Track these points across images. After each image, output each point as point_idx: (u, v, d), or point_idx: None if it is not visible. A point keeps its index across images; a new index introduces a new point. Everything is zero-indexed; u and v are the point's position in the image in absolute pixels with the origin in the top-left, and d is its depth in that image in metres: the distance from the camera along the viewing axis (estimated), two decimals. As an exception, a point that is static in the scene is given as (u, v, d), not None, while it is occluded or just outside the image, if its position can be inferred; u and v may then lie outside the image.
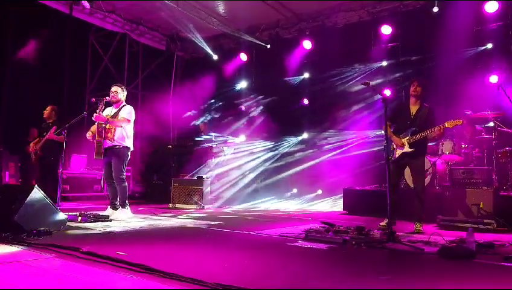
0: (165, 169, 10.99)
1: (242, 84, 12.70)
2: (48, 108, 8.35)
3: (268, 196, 10.61)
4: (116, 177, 6.43)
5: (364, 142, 10.02)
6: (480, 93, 8.09)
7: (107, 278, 2.94)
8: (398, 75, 9.88)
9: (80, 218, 5.76)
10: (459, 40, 8.73)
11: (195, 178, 9.26)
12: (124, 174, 6.54)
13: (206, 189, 9.05)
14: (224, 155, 10.45)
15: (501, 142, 7.40)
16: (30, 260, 3.42)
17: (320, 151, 11.03)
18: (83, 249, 3.68)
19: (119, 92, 6.59)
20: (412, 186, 6.20)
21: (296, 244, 4.48)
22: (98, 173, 10.41)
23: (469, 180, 6.26)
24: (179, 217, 7.05)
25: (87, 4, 10.09)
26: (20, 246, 3.97)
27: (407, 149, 5.66)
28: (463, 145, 7.59)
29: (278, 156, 11.60)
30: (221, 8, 10.79)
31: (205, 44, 12.10)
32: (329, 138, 10.96)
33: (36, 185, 4.84)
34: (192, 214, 7.56)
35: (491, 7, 8.63)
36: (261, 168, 11.21)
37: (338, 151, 10.59)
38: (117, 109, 6.57)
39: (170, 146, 11.06)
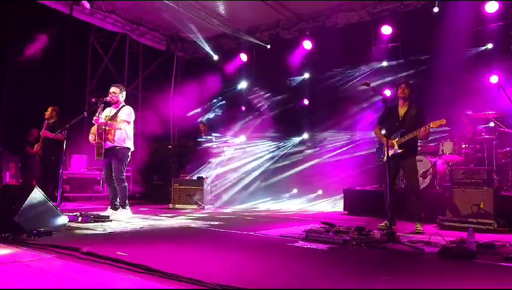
0: (165, 169, 10.99)
1: (242, 85, 12.70)
2: (49, 108, 8.37)
3: (268, 196, 10.61)
4: (116, 178, 6.44)
5: (365, 142, 10.01)
6: (480, 94, 8.09)
7: (107, 278, 2.94)
8: (398, 75, 9.88)
9: (80, 218, 5.76)
10: (460, 40, 8.73)
11: (196, 178, 9.27)
12: (124, 174, 6.54)
13: (206, 189, 9.05)
14: (225, 155, 10.45)
15: (501, 143, 7.41)
16: (30, 261, 3.42)
17: (320, 151, 11.03)
18: (83, 249, 3.68)
19: (118, 93, 6.59)
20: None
21: (297, 244, 4.48)
22: (98, 174, 10.41)
23: (469, 180, 6.24)
24: (179, 217, 7.05)
25: (87, 4, 10.09)
26: (20, 247, 3.97)
27: (396, 150, 5.69)
28: (463, 146, 7.59)
29: (278, 156, 11.60)
30: (221, 8, 10.79)
31: (205, 44, 12.11)
32: (329, 138, 10.95)
33: (36, 186, 4.84)
34: (192, 215, 7.56)
35: (491, 7, 8.63)
36: (261, 169, 11.21)
37: (338, 151, 10.59)
38: (116, 110, 6.57)
39: (170, 146, 11.06)
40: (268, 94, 11.97)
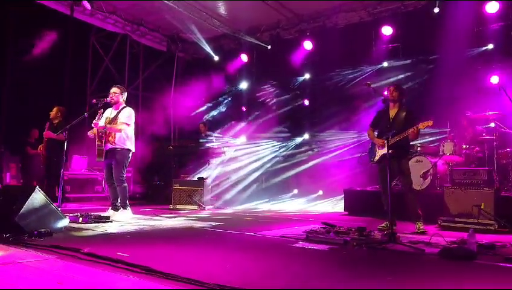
0: (166, 170, 11.00)
1: (243, 85, 12.71)
2: (55, 108, 8.37)
3: (269, 197, 10.61)
4: (116, 179, 6.44)
5: (365, 142, 10.00)
6: (481, 94, 8.09)
7: (108, 278, 2.94)
8: (398, 75, 9.88)
9: (80, 219, 5.76)
10: (460, 40, 8.73)
11: (196, 179, 9.26)
12: (124, 175, 6.54)
13: (207, 190, 9.04)
14: (225, 156, 10.45)
15: (502, 143, 7.41)
16: (31, 261, 3.42)
17: (321, 151, 11.03)
18: (84, 250, 3.68)
19: (118, 93, 6.58)
20: (416, 187, 6.27)
21: (297, 245, 4.48)
22: (99, 174, 10.42)
23: (470, 181, 6.24)
24: (180, 218, 7.05)
25: (87, 5, 10.10)
26: (21, 247, 3.97)
27: (385, 150, 5.71)
28: (464, 146, 7.59)
29: (279, 156, 11.61)
30: (222, 9, 10.80)
31: (206, 45, 12.12)
32: (330, 139, 10.96)
33: (37, 186, 4.85)
34: (193, 215, 7.56)
35: (491, 7, 8.64)
36: (261, 169, 11.21)
37: (339, 151, 10.59)
38: (117, 111, 6.56)
39: (171, 147, 11.06)
40: (269, 94, 11.97)
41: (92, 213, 6.09)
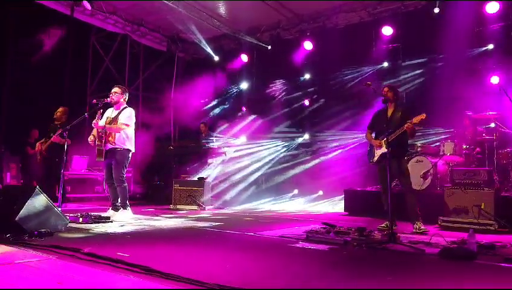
0: (166, 170, 11.00)
1: (243, 85, 12.71)
2: (60, 109, 8.34)
3: (269, 197, 10.61)
4: (116, 179, 6.44)
5: (366, 142, 9.99)
6: (481, 94, 8.09)
7: (108, 279, 2.95)
8: (399, 75, 9.88)
9: (81, 219, 5.76)
10: (460, 40, 8.73)
11: (196, 179, 9.27)
12: (124, 175, 6.54)
13: (207, 190, 9.04)
14: (225, 156, 10.46)
15: (502, 143, 7.41)
16: (31, 261, 3.42)
17: (321, 152, 11.03)
18: (84, 250, 3.69)
19: (118, 93, 6.58)
20: (416, 188, 6.27)
21: (297, 245, 4.48)
22: (99, 174, 10.41)
23: (470, 181, 6.24)
24: (180, 218, 7.05)
25: (88, 5, 10.10)
26: (21, 247, 3.97)
27: (384, 150, 5.72)
28: (464, 146, 7.59)
29: (279, 157, 11.61)
30: (222, 9, 10.80)
31: (206, 45, 12.12)
32: (330, 139, 10.96)
33: (37, 186, 4.85)
34: (193, 215, 7.56)
35: (491, 8, 8.64)
36: (262, 169, 11.21)
37: (339, 151, 10.59)
38: (117, 112, 6.56)
39: (171, 147, 11.06)
40: (269, 95, 11.97)
41: (92, 213, 6.09)
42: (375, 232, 4.84)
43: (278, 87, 11.93)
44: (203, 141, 10.51)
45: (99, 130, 6.36)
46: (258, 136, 11.62)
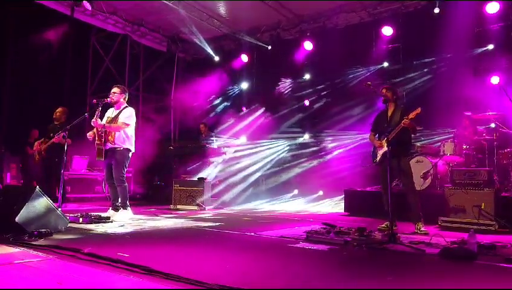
0: (166, 170, 11.00)
1: (243, 86, 12.72)
2: (59, 109, 8.32)
3: (269, 197, 10.61)
4: (116, 179, 6.44)
5: (366, 143, 10.00)
6: (481, 94, 8.08)
7: (108, 279, 2.95)
8: (399, 76, 9.88)
9: (81, 219, 5.76)
10: (460, 41, 8.73)
11: (196, 179, 9.27)
12: (124, 175, 6.54)
13: (207, 190, 9.04)
14: (225, 156, 10.46)
15: (502, 143, 7.40)
16: (31, 261, 3.42)
17: (321, 152, 11.03)
18: (84, 250, 3.68)
19: (118, 93, 6.58)
20: (417, 188, 6.27)
21: (297, 245, 4.48)
22: (99, 175, 10.42)
23: (470, 181, 6.23)
24: (180, 218, 7.05)
25: (88, 5, 10.10)
26: (21, 247, 3.97)
27: (385, 149, 5.72)
28: (464, 146, 7.59)
29: (279, 157, 11.61)
30: (222, 9, 10.80)
31: (206, 45, 12.12)
32: (330, 139, 10.96)
33: (38, 187, 4.85)
34: (193, 215, 7.56)
35: (492, 8, 8.64)
36: (262, 170, 11.21)
37: (339, 151, 10.59)
38: (118, 111, 6.57)
39: (171, 147, 11.06)
40: (269, 95, 11.96)
41: (92, 213, 6.09)
42: (376, 232, 4.85)
43: (277, 87, 11.92)
44: (203, 141, 10.51)
45: (99, 129, 6.36)
46: (257, 136, 11.61)
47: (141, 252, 3.96)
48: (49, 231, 4.55)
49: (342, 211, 8.35)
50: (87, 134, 6.59)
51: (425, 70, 9.55)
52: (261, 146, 11.53)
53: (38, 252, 3.76)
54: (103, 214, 6.21)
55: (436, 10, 9.10)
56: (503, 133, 7.42)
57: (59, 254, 3.70)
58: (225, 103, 12.82)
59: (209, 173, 9.92)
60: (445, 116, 8.20)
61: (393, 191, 5.86)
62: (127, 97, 6.75)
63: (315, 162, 10.97)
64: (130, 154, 6.60)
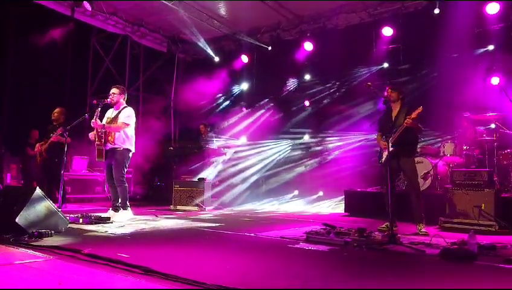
0: (166, 171, 10.99)
1: (243, 86, 12.72)
2: (57, 110, 8.31)
3: (269, 198, 10.61)
4: (116, 179, 6.45)
5: (366, 143, 10.02)
6: (481, 95, 8.08)
7: (108, 279, 2.95)
8: (399, 76, 9.88)
9: (81, 220, 5.76)
10: (461, 41, 8.72)
11: (196, 180, 9.27)
12: (124, 175, 6.54)
13: (207, 190, 9.04)
14: (226, 157, 10.46)
15: (502, 144, 7.40)
16: (31, 262, 3.42)
17: (321, 152, 11.03)
18: (84, 251, 3.69)
19: (117, 94, 6.59)
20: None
21: (297, 246, 4.48)
22: (99, 175, 10.42)
23: (470, 182, 6.23)
24: (180, 218, 7.05)
25: (88, 6, 10.10)
26: (22, 248, 3.97)
27: (390, 149, 5.72)
28: (464, 147, 7.58)
29: (279, 157, 11.60)
30: (222, 10, 10.80)
31: (206, 46, 12.12)
32: (330, 140, 10.96)
33: (38, 187, 4.85)
34: (193, 216, 7.56)
35: (492, 8, 8.63)
36: (262, 170, 11.21)
37: (340, 151, 10.59)
38: (117, 111, 6.58)
39: (171, 148, 11.06)
40: (269, 95, 11.97)
41: (93, 214, 6.09)
42: (376, 233, 4.84)
43: (277, 87, 11.92)
44: (203, 141, 10.51)
45: (98, 130, 6.36)
46: (257, 137, 11.61)
47: (141, 253, 3.96)
48: (49, 231, 4.55)
49: (342, 211, 8.35)
50: (89, 134, 6.60)
51: (425, 70, 9.55)
52: (261, 146, 11.53)
53: (39, 253, 3.76)
54: (103, 215, 6.21)
55: (437, 11, 9.09)
56: (503, 134, 7.42)
57: (59, 254, 3.71)
58: (225, 104, 12.81)
59: (209, 173, 9.92)
60: (445, 116, 8.20)
61: (394, 192, 5.87)
62: (126, 97, 6.75)
63: (315, 163, 10.97)
64: (130, 155, 6.61)
